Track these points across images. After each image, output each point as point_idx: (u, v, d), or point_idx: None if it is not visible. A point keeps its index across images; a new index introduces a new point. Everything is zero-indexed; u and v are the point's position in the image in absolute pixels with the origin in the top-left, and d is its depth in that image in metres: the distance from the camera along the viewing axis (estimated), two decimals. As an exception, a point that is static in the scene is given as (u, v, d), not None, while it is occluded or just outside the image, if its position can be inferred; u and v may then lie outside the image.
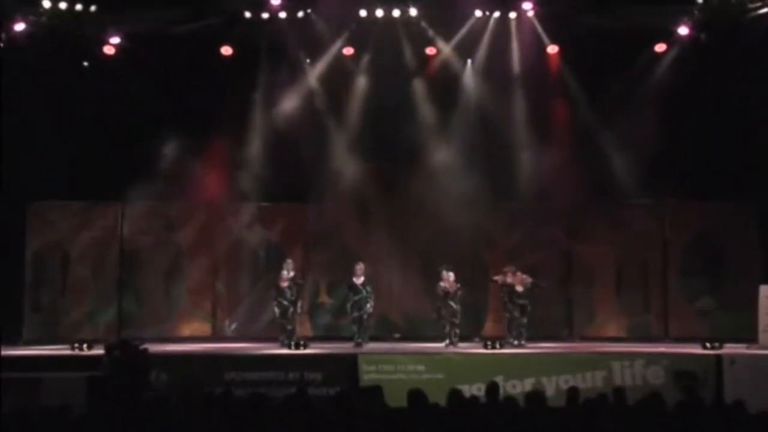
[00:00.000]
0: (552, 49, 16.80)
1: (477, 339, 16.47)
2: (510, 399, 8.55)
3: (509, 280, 15.65)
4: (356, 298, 15.57)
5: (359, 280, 15.60)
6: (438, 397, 8.29)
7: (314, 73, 17.09)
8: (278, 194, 17.28)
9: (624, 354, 13.84)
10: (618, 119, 16.57)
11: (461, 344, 15.36)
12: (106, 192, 16.41)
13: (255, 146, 17.10)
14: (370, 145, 17.05)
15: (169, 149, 16.33)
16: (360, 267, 15.69)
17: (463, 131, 17.02)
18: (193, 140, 16.48)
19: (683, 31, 16.18)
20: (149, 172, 16.26)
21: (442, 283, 15.50)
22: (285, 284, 15.45)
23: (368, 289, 15.58)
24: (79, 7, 15.08)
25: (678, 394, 9.95)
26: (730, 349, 14.12)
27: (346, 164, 17.07)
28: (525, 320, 15.52)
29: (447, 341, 15.31)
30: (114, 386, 11.41)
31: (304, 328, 17.23)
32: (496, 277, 15.92)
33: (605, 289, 17.35)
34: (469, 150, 16.73)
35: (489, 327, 17.35)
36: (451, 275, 15.52)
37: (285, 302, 15.41)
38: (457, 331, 15.39)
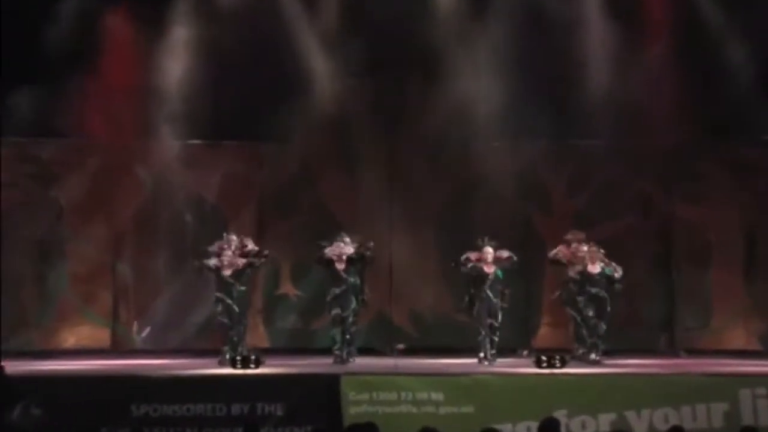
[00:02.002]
0: None
1: (525, 352, 16.62)
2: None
3: (577, 253, 15.70)
4: (338, 290, 15.66)
5: (341, 264, 15.63)
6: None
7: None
8: (216, 128, 17.32)
9: (757, 377, 13.84)
10: (746, 13, 16.65)
11: (500, 360, 15.42)
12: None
13: (177, 52, 17.10)
14: (359, 49, 16.94)
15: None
16: (344, 243, 15.69)
17: (504, 29, 16.94)
18: (78, 46, 16.52)
19: None
20: (8, 92, 16.29)
21: (477, 262, 15.46)
22: (228, 272, 15.50)
23: (354, 277, 15.65)
24: None
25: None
26: None
27: (320, 79, 17.12)
28: (603, 325, 15.58)
29: (482, 355, 15.33)
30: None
31: (256, 335, 17.29)
32: (556, 251, 16.01)
33: (727, 274, 17.50)
34: (514, 58, 16.70)
35: (543, 334, 17.62)
36: (500, 252, 15.45)
37: (229, 297, 15.49)
38: (496, 339, 15.43)
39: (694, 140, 17.33)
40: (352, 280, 15.64)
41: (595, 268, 15.58)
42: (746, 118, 16.89)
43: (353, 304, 15.66)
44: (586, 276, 15.58)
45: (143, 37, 17.08)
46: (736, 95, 16.77)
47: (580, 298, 15.64)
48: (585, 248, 15.72)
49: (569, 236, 16.00)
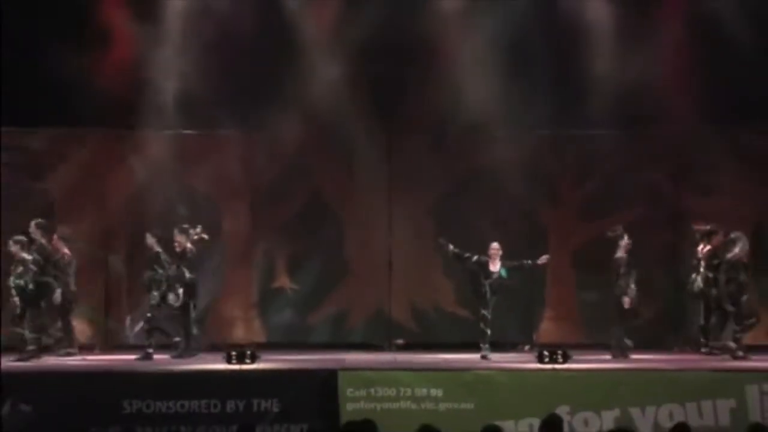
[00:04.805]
0: None
1: (527, 347, 16.72)
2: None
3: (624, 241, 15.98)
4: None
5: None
6: (465, 439, 8.28)
7: None
8: (210, 117, 17.35)
9: (765, 373, 13.88)
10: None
11: (502, 355, 15.58)
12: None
13: (170, 41, 17.17)
14: (356, 38, 17.07)
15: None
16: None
17: (506, 15, 17.03)
18: (69, 33, 16.53)
19: None
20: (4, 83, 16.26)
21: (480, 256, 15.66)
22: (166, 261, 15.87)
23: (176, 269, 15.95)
24: None
25: None
26: None
27: (319, 69, 17.16)
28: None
29: (483, 349, 15.50)
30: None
31: (251, 330, 17.42)
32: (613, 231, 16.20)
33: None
34: (516, 45, 16.79)
35: (546, 329, 17.65)
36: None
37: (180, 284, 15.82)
38: (488, 331, 15.55)
39: (704, 130, 17.28)
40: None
41: (621, 253, 15.95)
42: (757, 107, 16.88)
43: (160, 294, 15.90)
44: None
45: (136, 27, 17.11)
46: (747, 84, 16.69)
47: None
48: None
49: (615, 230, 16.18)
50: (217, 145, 17.93)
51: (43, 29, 16.50)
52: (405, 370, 14.13)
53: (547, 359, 14.32)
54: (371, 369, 14.18)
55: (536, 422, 10.70)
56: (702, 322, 16.30)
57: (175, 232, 16.00)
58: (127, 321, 17.71)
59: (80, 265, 16.90)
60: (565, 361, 14.27)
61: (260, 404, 13.40)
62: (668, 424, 12.10)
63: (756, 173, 17.53)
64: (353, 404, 13.37)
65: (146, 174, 17.62)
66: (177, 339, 15.97)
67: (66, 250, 16.36)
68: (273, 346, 16.86)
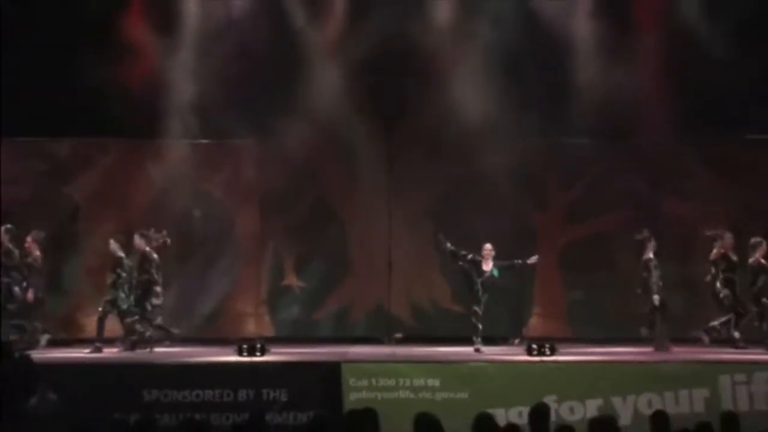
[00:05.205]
0: None
1: (517, 341, 16.65)
2: (565, 429, 8.55)
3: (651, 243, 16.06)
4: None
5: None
6: (459, 426, 8.38)
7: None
8: (223, 127, 17.28)
9: (738, 364, 13.93)
10: (733, 16, 16.67)
11: (493, 348, 15.57)
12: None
13: (186, 57, 17.18)
14: (359, 51, 17.09)
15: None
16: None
17: (498, 33, 16.98)
18: (93, 48, 16.50)
19: None
20: (26, 93, 16.28)
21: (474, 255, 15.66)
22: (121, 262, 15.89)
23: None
24: None
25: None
26: None
27: (323, 82, 17.12)
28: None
29: (476, 343, 15.47)
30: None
31: (261, 325, 17.42)
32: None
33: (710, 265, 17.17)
34: (507, 61, 16.76)
35: (535, 324, 17.60)
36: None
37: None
38: (480, 326, 15.52)
39: (680, 139, 17.23)
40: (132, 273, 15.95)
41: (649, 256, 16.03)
42: (732, 117, 16.82)
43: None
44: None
45: (156, 41, 17.11)
46: (723, 95, 16.67)
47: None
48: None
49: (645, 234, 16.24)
50: (230, 153, 17.94)
51: (69, 43, 16.43)
52: (404, 362, 14.16)
53: (535, 352, 14.37)
54: (372, 361, 14.21)
55: (525, 410, 10.65)
56: (722, 320, 16.12)
57: (135, 237, 15.97)
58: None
59: (102, 263, 16.82)
60: (552, 354, 14.31)
61: (269, 394, 13.42)
62: (647, 412, 12.11)
63: (726, 180, 17.48)
64: (356, 394, 13.38)
65: (164, 180, 17.58)
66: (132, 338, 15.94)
67: (38, 253, 16.23)
68: (281, 339, 16.80)
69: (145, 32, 17.12)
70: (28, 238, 16.31)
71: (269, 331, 17.38)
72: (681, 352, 15.58)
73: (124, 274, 16.02)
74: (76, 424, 9.06)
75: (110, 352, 15.79)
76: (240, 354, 14.38)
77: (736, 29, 16.64)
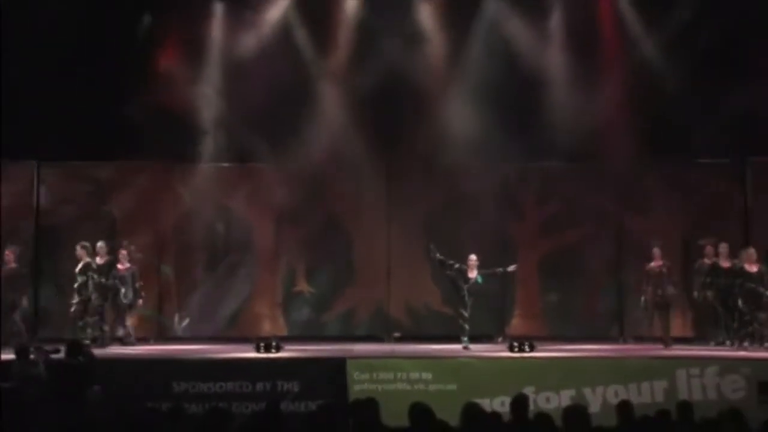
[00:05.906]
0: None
1: (500, 339, 16.66)
2: (542, 416, 8.56)
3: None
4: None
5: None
6: (449, 414, 8.35)
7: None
8: (242, 152, 17.40)
9: (692, 359, 13.91)
10: (685, 55, 16.72)
11: (478, 346, 15.49)
12: (16, 148, 16.29)
13: (211, 89, 17.24)
14: (362, 85, 17.13)
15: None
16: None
17: (482, 68, 17.05)
18: (130, 81, 16.54)
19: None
20: (71, 122, 16.33)
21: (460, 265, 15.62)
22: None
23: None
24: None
25: (763, 412, 9.95)
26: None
27: (330, 111, 17.20)
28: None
29: (464, 341, 15.41)
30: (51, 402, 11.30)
31: (276, 325, 17.43)
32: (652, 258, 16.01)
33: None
34: (490, 93, 16.74)
35: (516, 324, 17.55)
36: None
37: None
38: (467, 327, 15.44)
39: (642, 162, 17.18)
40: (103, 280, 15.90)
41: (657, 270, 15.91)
42: (684, 143, 16.80)
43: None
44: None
45: (185, 73, 17.14)
46: (677, 124, 16.69)
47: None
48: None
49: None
50: (249, 175, 17.92)
51: (107, 76, 16.42)
52: (401, 357, 14.18)
53: (516, 349, 14.42)
54: (373, 357, 14.22)
55: (507, 400, 10.61)
56: (725, 323, 15.91)
57: (77, 248, 15.86)
58: (176, 317, 17.66)
59: (138, 272, 16.80)
60: (531, 351, 14.36)
61: (284, 385, 13.43)
62: (614, 401, 12.12)
63: (685, 198, 17.49)
64: (359, 386, 13.39)
65: (192, 198, 17.64)
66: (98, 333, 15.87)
67: (13, 264, 16.00)
68: (294, 338, 16.78)
69: (177, 64, 17.12)
70: (6, 251, 16.01)
71: (283, 331, 17.35)
72: (642, 349, 15.55)
73: (95, 277, 15.85)
74: (118, 411, 9.08)
75: (157, 349, 15.82)
76: (258, 351, 14.42)
77: (690, 66, 16.68)
